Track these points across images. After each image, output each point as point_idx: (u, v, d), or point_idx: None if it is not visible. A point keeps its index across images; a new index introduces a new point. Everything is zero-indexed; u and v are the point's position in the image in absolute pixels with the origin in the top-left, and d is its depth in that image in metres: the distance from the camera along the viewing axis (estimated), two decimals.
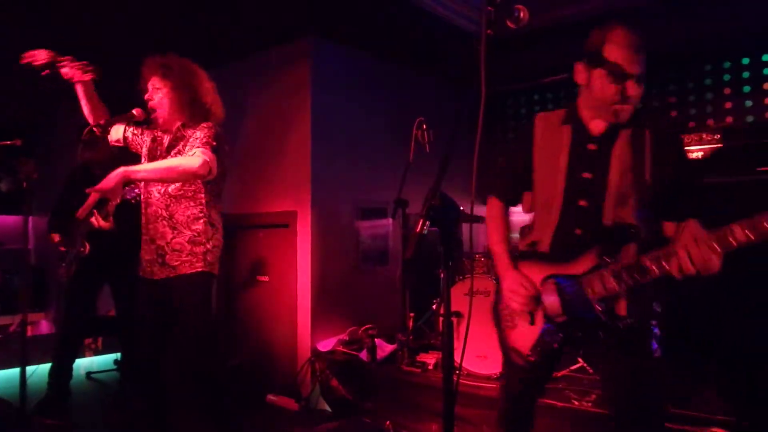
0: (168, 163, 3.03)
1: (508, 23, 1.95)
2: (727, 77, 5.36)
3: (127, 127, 3.45)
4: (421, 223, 1.67)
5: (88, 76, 3.40)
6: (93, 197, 3.10)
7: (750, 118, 5.20)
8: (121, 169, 2.94)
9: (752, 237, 1.79)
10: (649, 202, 2.16)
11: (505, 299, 2.39)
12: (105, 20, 4.67)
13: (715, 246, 1.85)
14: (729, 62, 5.35)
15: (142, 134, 3.42)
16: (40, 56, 3.33)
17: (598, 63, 2.16)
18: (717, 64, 5.41)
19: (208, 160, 3.00)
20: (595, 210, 2.21)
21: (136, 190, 3.94)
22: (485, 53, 1.82)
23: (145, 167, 3.06)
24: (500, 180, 2.62)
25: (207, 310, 3.25)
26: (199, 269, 3.16)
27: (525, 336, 2.33)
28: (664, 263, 1.98)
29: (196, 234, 3.17)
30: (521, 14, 1.93)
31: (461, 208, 2.08)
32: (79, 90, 3.46)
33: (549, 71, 6.09)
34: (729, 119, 5.28)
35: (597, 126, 2.26)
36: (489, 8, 1.85)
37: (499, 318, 2.47)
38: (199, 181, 3.14)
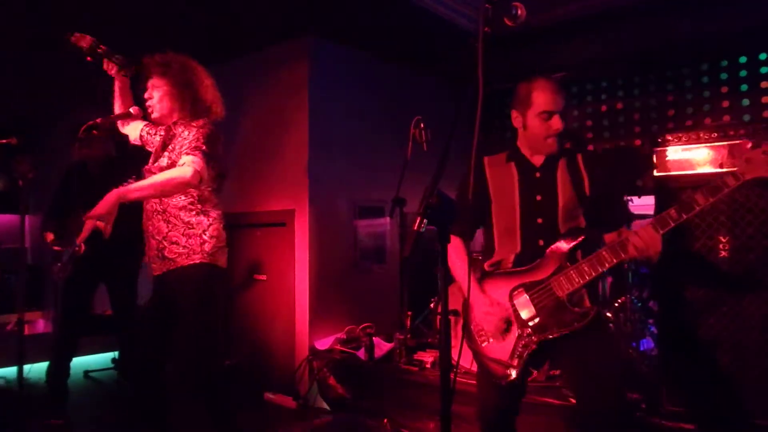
0: (160, 179, 2.96)
1: (506, 21, 1.96)
2: (724, 76, 5.38)
3: (144, 126, 3.44)
4: (418, 221, 1.67)
5: (124, 74, 3.39)
6: (89, 224, 3.06)
7: (747, 117, 5.22)
8: (115, 192, 2.91)
9: (684, 216, 2.28)
10: (591, 211, 2.58)
11: (478, 321, 2.62)
12: (104, 17, 4.65)
13: (657, 227, 2.30)
14: (726, 61, 5.36)
15: (155, 134, 3.40)
16: (84, 41, 3.32)
17: (527, 107, 2.57)
18: (714, 62, 5.42)
19: (198, 169, 2.96)
20: (551, 225, 2.57)
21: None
22: (483, 51, 1.82)
23: (138, 186, 3.01)
24: (460, 221, 2.76)
25: (207, 305, 3.17)
26: (197, 261, 3.11)
27: (502, 346, 2.55)
28: (620, 251, 2.36)
29: (188, 225, 3.13)
30: (519, 12, 1.94)
31: None
32: (116, 85, 3.48)
33: (548, 69, 6.11)
34: (726, 118, 5.29)
35: (538, 160, 2.65)
36: (487, 5, 1.85)
37: (472, 337, 2.67)
38: None
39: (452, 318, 4.01)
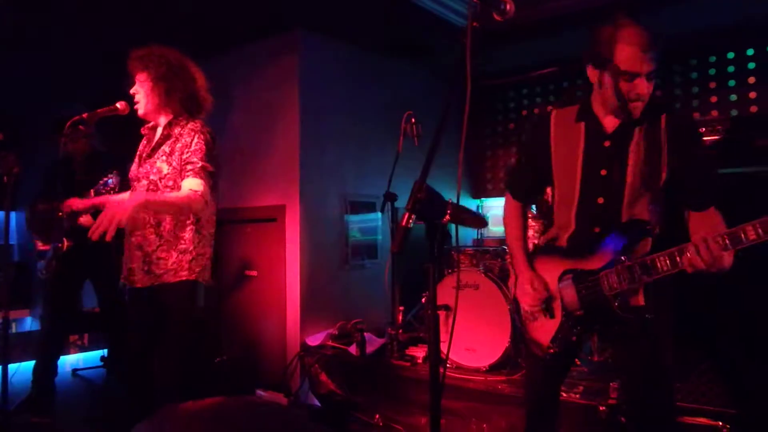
0: (180, 202, 2.88)
1: (495, 16, 1.95)
2: (712, 71, 5.42)
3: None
4: (407, 216, 1.67)
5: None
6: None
7: (734, 112, 5.26)
8: (143, 197, 2.82)
9: (764, 236, 1.87)
10: (665, 196, 2.23)
11: (519, 299, 2.50)
12: (87, 7, 4.61)
13: (728, 244, 1.92)
14: (714, 57, 5.40)
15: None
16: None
17: (608, 62, 2.16)
18: (703, 58, 5.46)
19: (206, 197, 2.94)
20: (612, 207, 2.27)
21: (110, 183, 3.92)
22: (471, 46, 1.81)
23: (160, 200, 2.89)
24: (518, 179, 2.69)
25: (190, 320, 3.16)
26: (183, 278, 3.07)
27: (545, 329, 2.41)
28: (677, 259, 2.04)
29: (182, 242, 3.09)
30: (507, 7, 1.93)
31: (448, 200, 2.11)
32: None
33: (538, 65, 6.11)
34: (714, 113, 5.33)
35: (611, 123, 2.28)
36: (475, 1, 1.84)
37: (519, 313, 2.54)
38: None
39: (443, 313, 4.01)
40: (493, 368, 4.15)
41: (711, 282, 2.23)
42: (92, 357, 6.13)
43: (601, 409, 3.29)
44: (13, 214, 3.59)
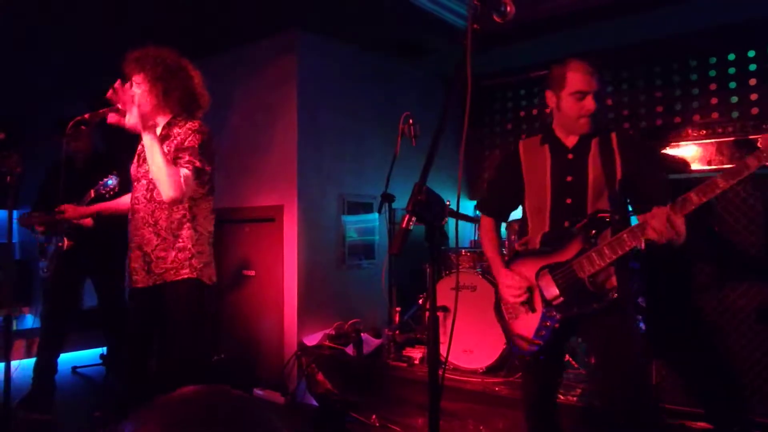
0: (165, 168, 2.88)
1: (495, 17, 1.96)
2: (713, 73, 5.38)
3: None
4: (407, 218, 1.68)
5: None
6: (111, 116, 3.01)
7: (735, 114, 5.23)
8: (151, 132, 2.93)
9: (704, 199, 2.23)
10: (621, 193, 2.59)
11: (503, 295, 2.78)
12: (80, 10, 4.61)
13: (678, 210, 2.25)
14: (715, 58, 5.36)
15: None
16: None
17: (562, 87, 2.63)
18: (703, 59, 5.43)
19: (185, 187, 2.92)
20: (579, 204, 2.62)
21: (110, 184, 3.91)
22: (471, 48, 1.81)
23: (157, 150, 2.91)
24: (491, 200, 3.05)
25: (193, 320, 3.10)
26: (185, 276, 3.05)
27: (527, 323, 2.68)
28: (638, 233, 2.36)
29: (180, 240, 3.07)
30: (508, 8, 1.94)
31: (447, 202, 2.14)
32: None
33: (536, 66, 6.11)
34: (715, 115, 5.31)
35: (571, 140, 2.70)
36: (476, 2, 1.84)
37: (501, 313, 2.83)
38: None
39: (441, 314, 4.01)
40: (490, 370, 4.15)
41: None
42: (92, 355, 6.13)
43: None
44: (15, 213, 3.61)
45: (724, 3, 4.66)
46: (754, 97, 5.15)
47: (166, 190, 2.90)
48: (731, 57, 5.28)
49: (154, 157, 2.91)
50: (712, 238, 3.22)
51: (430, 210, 1.70)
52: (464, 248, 4.97)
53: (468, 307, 4.22)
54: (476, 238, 6.03)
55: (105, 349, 5.58)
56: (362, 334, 4.73)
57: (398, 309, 4.77)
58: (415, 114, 4.58)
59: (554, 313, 2.59)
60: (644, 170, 2.60)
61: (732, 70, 5.28)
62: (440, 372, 1.82)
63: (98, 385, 5.33)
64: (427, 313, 4.40)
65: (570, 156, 2.67)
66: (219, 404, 0.93)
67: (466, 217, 5.09)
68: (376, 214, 5.39)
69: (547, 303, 2.61)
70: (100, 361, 5.77)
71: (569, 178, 2.65)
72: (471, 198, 6.83)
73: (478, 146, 6.91)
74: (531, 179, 2.78)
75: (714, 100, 5.35)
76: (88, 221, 4.25)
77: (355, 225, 5.54)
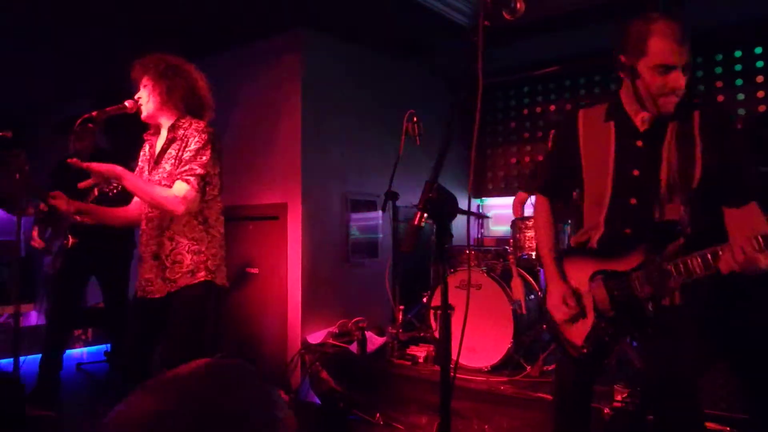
0: (157, 194, 2.92)
1: (505, 14, 1.95)
2: (719, 70, 5.35)
3: None
4: (418, 216, 1.67)
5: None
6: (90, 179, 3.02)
7: (742, 111, 5.20)
8: (121, 170, 2.92)
9: None
10: (698, 195, 2.17)
11: (550, 304, 2.44)
12: (91, 8, 4.60)
13: (762, 246, 1.86)
14: (721, 55, 5.34)
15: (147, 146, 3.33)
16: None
17: (641, 55, 2.13)
18: (709, 56, 5.40)
19: (189, 199, 2.91)
20: (645, 207, 2.23)
21: (113, 183, 3.89)
22: (483, 45, 1.80)
23: (136, 181, 2.98)
24: (545, 177, 2.65)
25: (203, 323, 3.08)
26: (201, 279, 3.03)
27: (578, 329, 2.37)
28: (710, 260, 1.98)
29: (193, 242, 3.04)
30: (518, 5, 1.92)
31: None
32: None
33: (539, 63, 6.10)
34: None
35: (643, 120, 2.23)
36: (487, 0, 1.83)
37: (549, 316, 2.49)
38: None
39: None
40: (495, 369, 4.14)
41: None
42: (96, 352, 6.13)
43: (605, 411, 3.29)
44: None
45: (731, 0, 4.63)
46: (760, 94, 5.13)
47: (169, 210, 2.93)
48: (738, 54, 5.26)
49: (138, 190, 2.95)
50: None
51: (443, 207, 1.69)
52: (470, 246, 4.96)
53: (473, 305, 4.21)
54: (478, 236, 6.03)
55: (109, 346, 5.59)
56: (366, 333, 4.72)
57: (402, 307, 4.76)
58: (418, 111, 4.57)
59: (605, 325, 2.30)
60: (728, 161, 2.15)
61: (738, 67, 5.25)
62: (451, 372, 1.80)
63: (102, 382, 5.32)
64: (432, 312, 4.40)
65: (640, 143, 2.23)
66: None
67: (476, 215, 5.08)
68: (380, 212, 5.39)
69: (598, 313, 2.31)
70: (105, 359, 5.77)
71: (636, 172, 2.23)
72: (474, 196, 6.83)
73: (481, 144, 6.89)
74: (590, 164, 2.36)
75: (720, 98, 5.30)
76: (86, 219, 4.23)
77: (358, 223, 5.54)
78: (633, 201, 2.25)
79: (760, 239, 1.87)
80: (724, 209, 2.16)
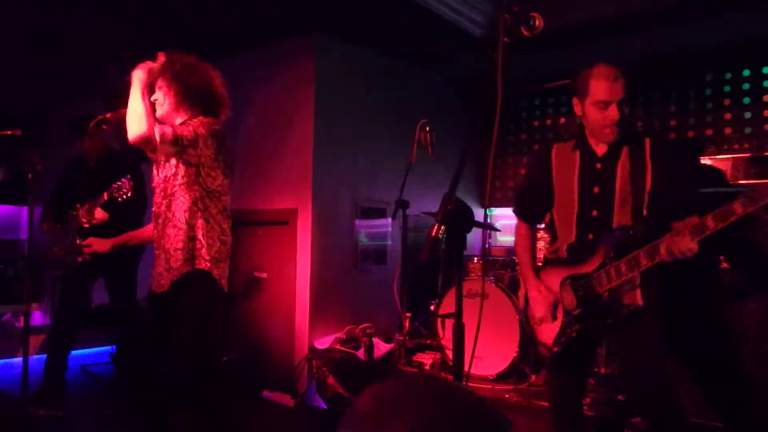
0: (138, 107, 2.90)
1: (523, 30, 1.99)
2: (727, 88, 5.39)
3: None
4: (436, 227, 1.71)
5: None
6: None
7: (748, 130, 5.24)
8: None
9: (721, 224, 2.21)
10: (651, 204, 2.53)
11: (531, 306, 2.82)
12: (103, 11, 4.65)
13: (694, 235, 2.25)
14: (730, 73, 5.37)
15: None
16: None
17: (586, 95, 2.57)
18: (718, 74, 5.44)
19: (159, 132, 2.88)
20: (604, 217, 2.60)
21: (123, 188, 3.93)
22: (502, 61, 1.84)
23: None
24: (524, 203, 3.04)
25: (202, 316, 3.08)
26: (196, 266, 3.05)
27: (549, 331, 2.72)
28: (654, 254, 2.35)
29: (191, 228, 3.06)
30: (536, 22, 1.97)
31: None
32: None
33: (551, 76, 6.12)
34: (728, 130, 5.31)
35: (601, 149, 2.64)
36: (506, 15, 1.87)
37: (528, 319, 2.86)
38: (191, 173, 3.06)
39: (452, 321, 4.02)
40: (501, 377, 4.17)
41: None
42: (102, 353, 6.15)
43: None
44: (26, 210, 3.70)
45: (740, 19, 4.66)
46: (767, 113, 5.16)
47: (133, 125, 2.89)
48: (746, 72, 5.29)
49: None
50: (746, 247, 3.26)
51: (460, 219, 1.73)
52: (477, 255, 4.99)
53: (476, 314, 4.23)
54: (487, 246, 6.05)
55: (114, 347, 5.62)
56: (373, 339, 4.74)
57: (409, 314, 4.78)
58: (429, 120, 4.59)
59: (573, 322, 2.62)
60: (675, 180, 2.54)
61: (746, 86, 5.28)
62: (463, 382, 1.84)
63: (107, 383, 5.34)
64: (439, 320, 4.43)
65: (598, 165, 2.63)
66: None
67: (490, 227, 5.10)
68: (389, 220, 5.42)
69: (566, 313, 2.65)
70: (110, 360, 5.79)
71: (596, 189, 2.62)
72: (482, 206, 6.84)
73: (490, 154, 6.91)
74: (560, 186, 2.75)
75: (728, 116, 5.34)
76: (103, 215, 4.25)
77: (367, 230, 5.56)
78: (594, 213, 2.63)
79: (692, 227, 2.27)
80: (672, 223, 2.47)
